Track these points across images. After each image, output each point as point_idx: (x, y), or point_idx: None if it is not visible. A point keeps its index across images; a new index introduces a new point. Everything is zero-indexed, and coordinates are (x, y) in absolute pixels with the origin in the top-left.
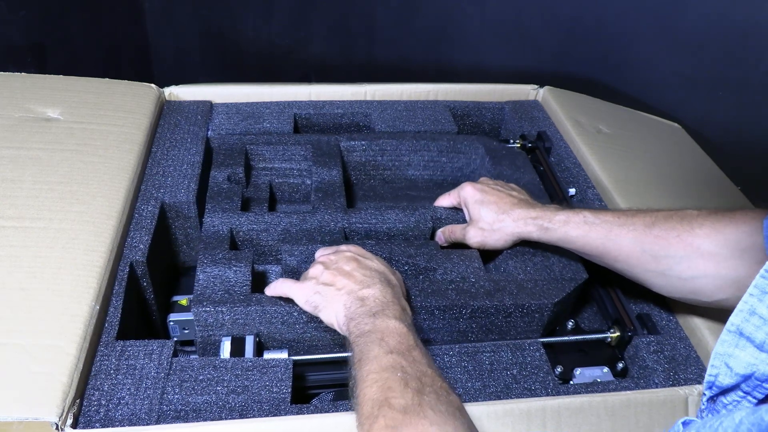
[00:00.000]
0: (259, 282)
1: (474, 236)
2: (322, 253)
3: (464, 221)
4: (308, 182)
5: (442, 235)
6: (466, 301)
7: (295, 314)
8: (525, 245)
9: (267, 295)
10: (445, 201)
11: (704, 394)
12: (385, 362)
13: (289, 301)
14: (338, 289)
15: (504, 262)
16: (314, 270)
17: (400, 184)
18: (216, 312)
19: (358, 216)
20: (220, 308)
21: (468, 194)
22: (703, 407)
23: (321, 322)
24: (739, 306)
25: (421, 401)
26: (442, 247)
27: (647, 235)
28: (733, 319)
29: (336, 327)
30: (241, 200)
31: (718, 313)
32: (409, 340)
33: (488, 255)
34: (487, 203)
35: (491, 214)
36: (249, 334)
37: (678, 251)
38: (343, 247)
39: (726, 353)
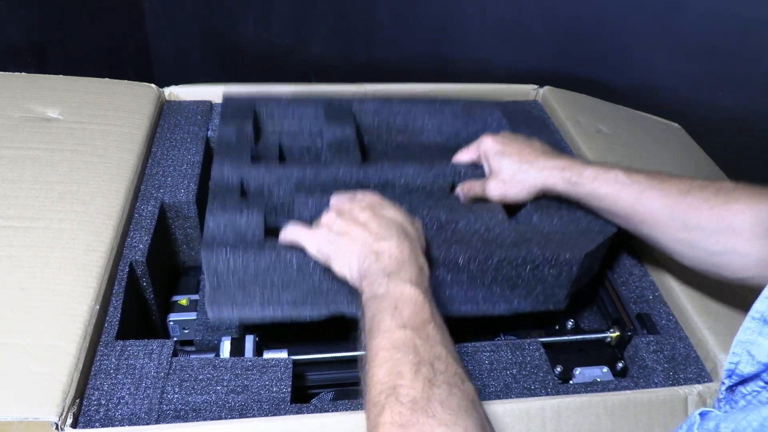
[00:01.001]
0: (272, 236)
1: (494, 189)
2: (337, 200)
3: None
4: (319, 144)
5: (461, 191)
6: (493, 250)
7: (312, 262)
8: (548, 199)
9: (281, 243)
10: (464, 156)
11: (723, 383)
12: (397, 338)
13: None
14: (353, 239)
15: (528, 216)
16: (327, 217)
17: (413, 150)
18: (227, 258)
19: (375, 169)
20: (232, 253)
21: (488, 146)
22: (721, 397)
23: None
24: (764, 293)
25: (430, 395)
26: None
27: (680, 203)
28: (758, 305)
29: (348, 280)
30: (251, 156)
31: (719, 312)
32: (424, 311)
33: (510, 211)
34: (508, 154)
35: (513, 165)
36: (249, 333)
37: (710, 224)
38: (360, 194)
39: (749, 341)
